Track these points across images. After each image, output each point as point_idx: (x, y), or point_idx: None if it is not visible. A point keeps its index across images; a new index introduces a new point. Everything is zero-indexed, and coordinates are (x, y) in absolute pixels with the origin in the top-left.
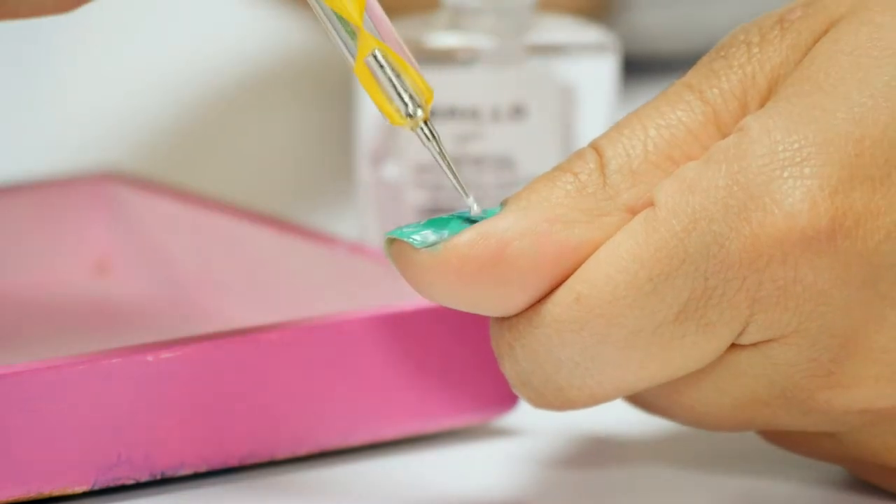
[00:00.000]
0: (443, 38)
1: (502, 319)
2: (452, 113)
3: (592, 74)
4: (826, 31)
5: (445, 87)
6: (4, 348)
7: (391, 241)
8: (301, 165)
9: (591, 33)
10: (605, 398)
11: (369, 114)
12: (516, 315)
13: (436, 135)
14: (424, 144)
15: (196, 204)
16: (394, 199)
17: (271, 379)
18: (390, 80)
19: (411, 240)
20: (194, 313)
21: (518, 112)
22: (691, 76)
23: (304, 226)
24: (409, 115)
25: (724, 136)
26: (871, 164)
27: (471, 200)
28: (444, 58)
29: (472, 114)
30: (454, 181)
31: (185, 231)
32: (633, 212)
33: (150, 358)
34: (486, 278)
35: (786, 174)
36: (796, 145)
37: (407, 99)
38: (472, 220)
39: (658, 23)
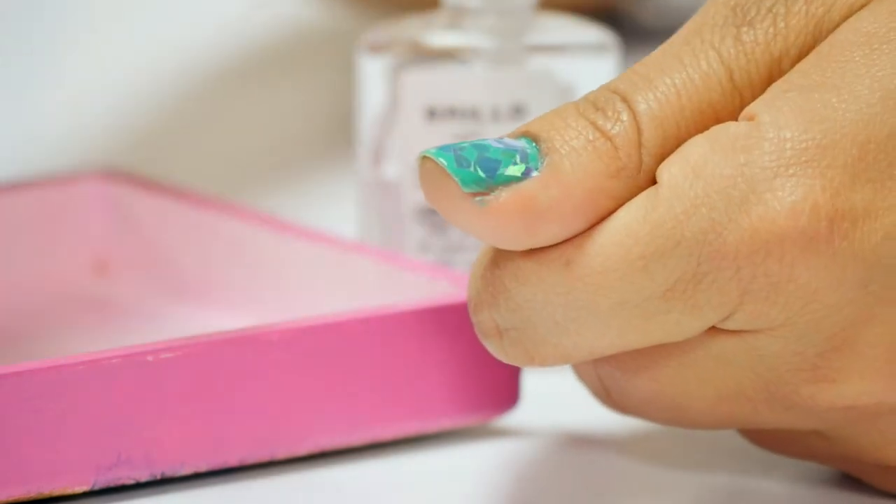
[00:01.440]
0: (443, 38)
1: (487, 270)
2: (452, 113)
3: (592, 74)
4: (852, 12)
5: (445, 87)
6: (4, 348)
7: (429, 162)
8: (301, 165)
9: (591, 33)
10: (576, 359)
11: (370, 113)
12: (503, 268)
13: None
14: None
15: (196, 204)
16: (394, 199)
17: (271, 379)
18: None
19: (456, 177)
20: (194, 313)
21: (518, 112)
22: (715, 37)
23: (304, 226)
24: None
25: (741, 103)
26: (874, 167)
27: None
28: (444, 58)
29: (472, 114)
30: None
31: (185, 231)
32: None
33: (150, 358)
34: (520, 236)
35: (790, 172)
36: (803, 145)
37: None
38: (520, 162)
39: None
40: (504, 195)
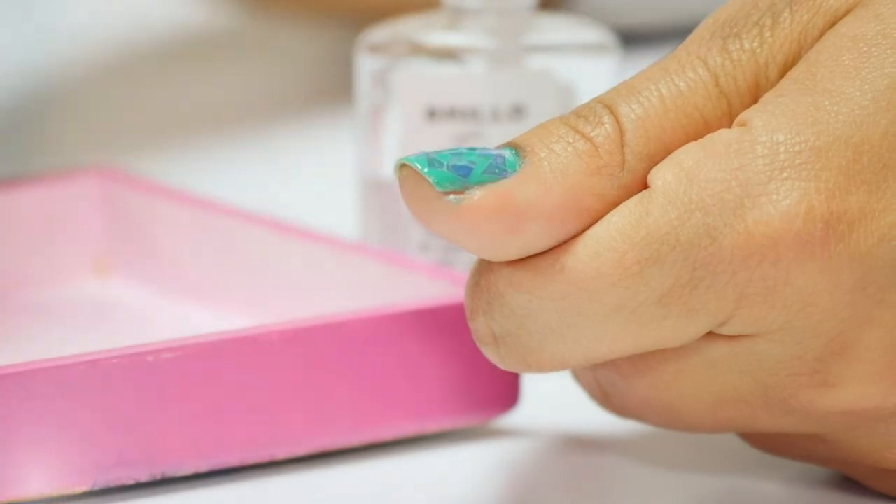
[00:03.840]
0: (443, 38)
1: (482, 276)
2: (452, 113)
3: (592, 74)
4: (836, 19)
5: (445, 87)
6: (4, 348)
7: (405, 168)
8: (301, 164)
9: (591, 33)
10: (573, 365)
11: (370, 113)
12: (498, 274)
13: None
14: None
15: (196, 204)
16: (394, 199)
17: (271, 379)
18: None
19: (430, 178)
20: (194, 313)
21: (518, 112)
22: (702, 48)
23: (304, 226)
24: None
25: (730, 110)
26: (869, 169)
27: None
28: (444, 58)
29: (472, 114)
30: None
31: (185, 231)
32: (643, 180)
33: (150, 358)
34: (501, 238)
35: (784, 175)
36: (797, 148)
37: None
38: (497, 165)
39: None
40: (479, 193)
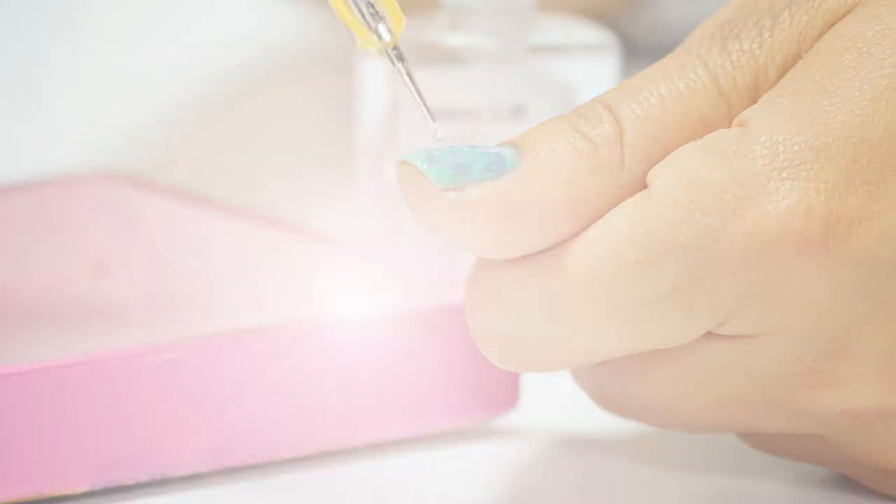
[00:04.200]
0: (443, 38)
1: (482, 275)
2: (452, 113)
3: (592, 74)
4: (835, 20)
5: (445, 87)
6: (5, 348)
7: (405, 165)
8: (302, 165)
9: (591, 33)
10: (572, 364)
11: (370, 113)
12: (498, 274)
13: (404, 59)
14: (393, 68)
15: (196, 204)
16: (394, 199)
17: (271, 379)
18: (362, 4)
19: (429, 175)
20: (194, 313)
21: (518, 112)
22: (702, 49)
23: (305, 226)
24: (379, 38)
25: (729, 110)
26: (868, 169)
27: (435, 127)
28: (444, 58)
29: (472, 114)
30: (422, 106)
31: (185, 231)
32: (642, 180)
33: (150, 358)
34: (496, 238)
35: (784, 175)
36: (796, 147)
37: (378, 24)
38: (496, 163)
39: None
40: (478, 190)
